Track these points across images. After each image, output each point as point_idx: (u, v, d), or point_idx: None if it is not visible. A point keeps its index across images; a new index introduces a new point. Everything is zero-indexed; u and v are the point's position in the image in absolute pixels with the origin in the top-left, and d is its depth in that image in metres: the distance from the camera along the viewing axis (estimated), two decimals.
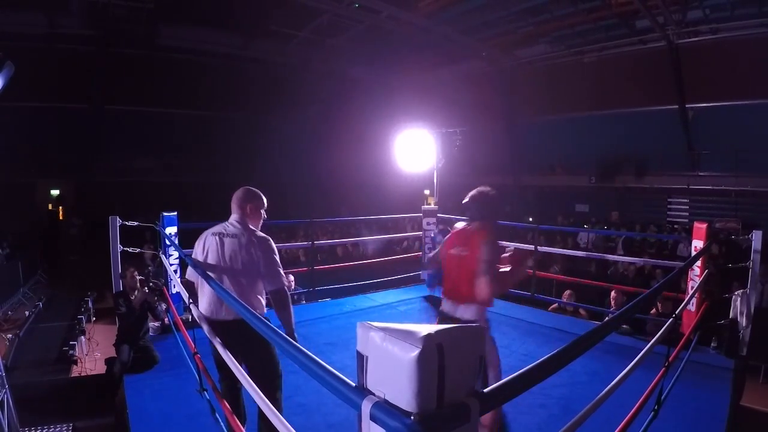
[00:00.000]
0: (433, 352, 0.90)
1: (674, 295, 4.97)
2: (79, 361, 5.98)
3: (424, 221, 6.30)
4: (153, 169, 14.69)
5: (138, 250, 4.84)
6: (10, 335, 6.56)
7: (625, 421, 2.12)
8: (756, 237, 3.80)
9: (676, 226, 12.02)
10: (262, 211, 2.67)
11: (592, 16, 11.41)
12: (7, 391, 3.09)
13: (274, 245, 2.56)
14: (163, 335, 4.30)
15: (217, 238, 2.52)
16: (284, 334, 1.44)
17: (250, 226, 2.57)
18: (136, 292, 4.00)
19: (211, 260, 2.50)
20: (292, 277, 5.82)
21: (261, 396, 1.70)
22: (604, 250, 10.15)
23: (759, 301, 3.97)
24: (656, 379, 2.46)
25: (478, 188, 2.60)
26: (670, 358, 2.59)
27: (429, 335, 0.92)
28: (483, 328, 1.12)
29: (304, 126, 16.14)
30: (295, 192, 14.86)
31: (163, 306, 4.44)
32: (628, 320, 4.47)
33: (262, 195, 2.67)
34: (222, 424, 2.39)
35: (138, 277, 4.23)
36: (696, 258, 3.90)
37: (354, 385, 1.04)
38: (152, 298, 4.04)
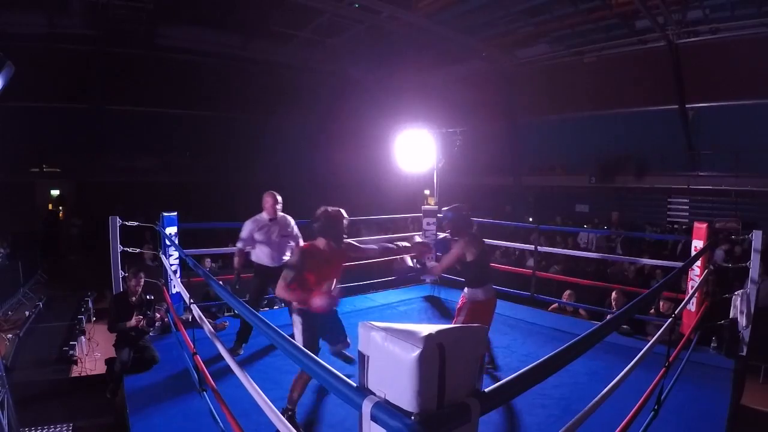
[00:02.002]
0: (434, 352, 0.90)
1: (674, 295, 4.97)
2: (79, 361, 5.98)
3: (424, 221, 6.29)
4: (153, 169, 14.65)
5: (138, 250, 4.84)
6: (10, 335, 6.56)
7: (625, 421, 2.12)
8: (756, 237, 3.80)
9: (675, 226, 12.02)
10: (267, 207, 4.02)
11: (592, 16, 11.39)
12: (7, 391, 3.09)
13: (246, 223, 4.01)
14: (163, 335, 4.30)
15: None
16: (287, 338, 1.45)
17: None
18: (133, 298, 3.96)
19: None
20: None
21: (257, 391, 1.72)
22: (605, 250, 10.13)
23: (759, 300, 3.96)
24: (656, 379, 2.46)
25: (321, 209, 2.83)
26: (670, 358, 2.59)
27: (430, 335, 0.92)
28: (484, 328, 1.12)
29: (304, 126, 16.12)
30: (295, 192, 14.80)
31: (164, 306, 4.43)
32: (628, 320, 4.47)
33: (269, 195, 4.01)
34: (221, 423, 2.39)
35: (142, 280, 4.10)
36: (696, 258, 3.90)
37: (355, 385, 1.04)
38: (146, 328, 3.97)
